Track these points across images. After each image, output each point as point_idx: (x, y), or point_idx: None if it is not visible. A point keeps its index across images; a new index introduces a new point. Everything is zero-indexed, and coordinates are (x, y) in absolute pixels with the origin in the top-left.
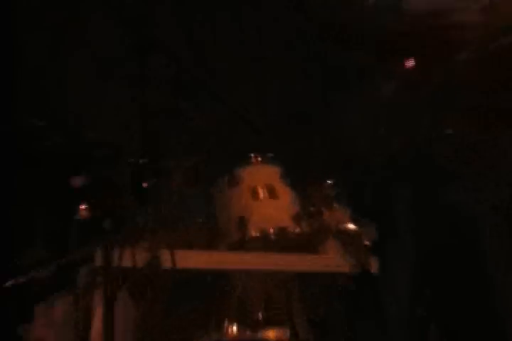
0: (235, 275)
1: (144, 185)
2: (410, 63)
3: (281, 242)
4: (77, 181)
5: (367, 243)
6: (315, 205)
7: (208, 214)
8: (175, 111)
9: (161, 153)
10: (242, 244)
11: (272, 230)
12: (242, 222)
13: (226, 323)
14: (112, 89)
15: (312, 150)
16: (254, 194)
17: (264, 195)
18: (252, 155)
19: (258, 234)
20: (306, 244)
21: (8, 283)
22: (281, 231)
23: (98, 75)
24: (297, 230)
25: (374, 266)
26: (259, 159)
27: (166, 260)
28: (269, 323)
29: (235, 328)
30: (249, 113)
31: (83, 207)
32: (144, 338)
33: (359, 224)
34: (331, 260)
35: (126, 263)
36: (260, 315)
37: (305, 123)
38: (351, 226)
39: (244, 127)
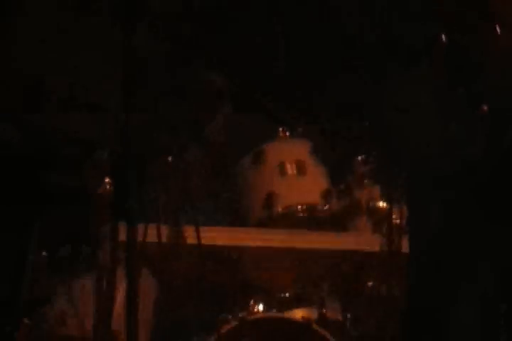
0: (260, 253)
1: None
2: None
3: (309, 219)
4: None
5: (398, 221)
6: (345, 182)
7: (232, 190)
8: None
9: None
10: (269, 221)
11: (300, 207)
12: (270, 199)
13: (252, 302)
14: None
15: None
16: (282, 170)
17: (293, 171)
18: (280, 129)
19: (285, 211)
20: (336, 222)
21: (30, 258)
22: (310, 208)
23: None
24: (326, 207)
25: (405, 245)
26: (288, 133)
27: (190, 236)
28: (296, 303)
29: (260, 307)
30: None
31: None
32: (167, 315)
33: (391, 201)
34: (361, 238)
35: (150, 238)
36: (287, 294)
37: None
38: (382, 203)
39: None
